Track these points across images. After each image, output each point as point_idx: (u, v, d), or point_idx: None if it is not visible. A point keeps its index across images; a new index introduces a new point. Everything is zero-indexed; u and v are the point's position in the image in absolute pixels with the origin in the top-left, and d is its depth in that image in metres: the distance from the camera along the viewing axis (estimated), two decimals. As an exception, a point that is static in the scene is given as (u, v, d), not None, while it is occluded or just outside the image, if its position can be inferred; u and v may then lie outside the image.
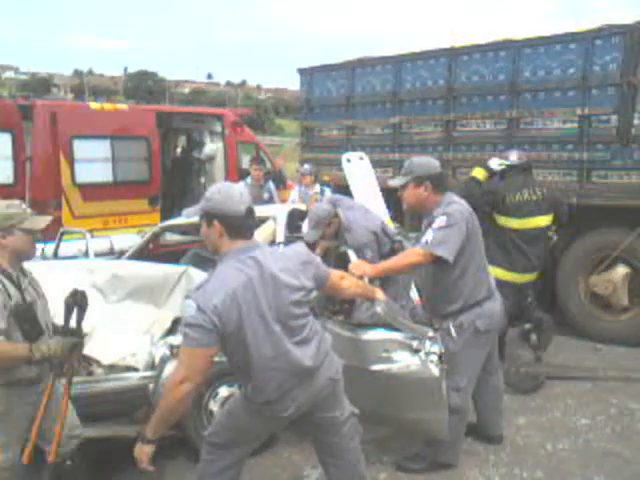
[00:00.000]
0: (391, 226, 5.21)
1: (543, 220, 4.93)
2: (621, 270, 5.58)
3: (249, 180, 7.08)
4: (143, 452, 2.36)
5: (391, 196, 4.84)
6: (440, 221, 3.21)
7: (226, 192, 2.42)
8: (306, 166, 7.09)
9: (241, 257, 2.38)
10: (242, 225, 2.41)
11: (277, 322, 2.40)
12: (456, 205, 3.30)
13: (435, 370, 3.02)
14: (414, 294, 4.71)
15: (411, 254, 3.36)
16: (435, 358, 3.02)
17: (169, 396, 2.31)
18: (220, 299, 2.27)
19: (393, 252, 4.17)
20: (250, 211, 2.41)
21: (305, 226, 4.84)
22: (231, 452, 2.64)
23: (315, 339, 2.53)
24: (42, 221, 2.70)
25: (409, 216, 5.80)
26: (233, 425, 2.63)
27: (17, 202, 2.68)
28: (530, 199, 4.87)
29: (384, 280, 3.57)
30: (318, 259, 2.67)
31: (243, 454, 2.70)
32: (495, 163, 5.01)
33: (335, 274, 2.76)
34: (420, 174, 3.33)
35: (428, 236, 3.22)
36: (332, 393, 2.60)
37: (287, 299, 2.42)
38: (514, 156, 5.02)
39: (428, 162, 3.44)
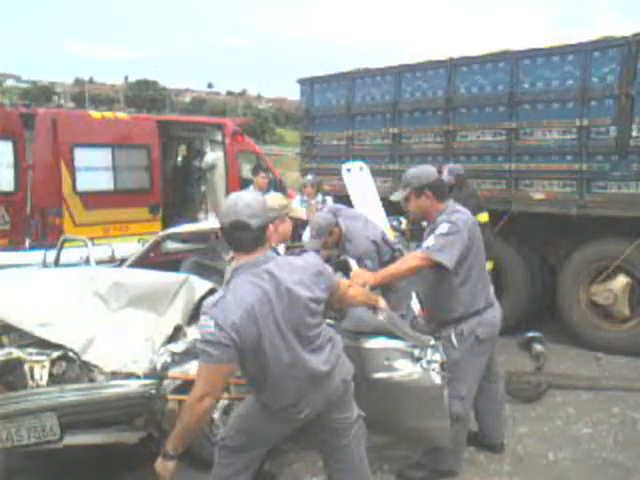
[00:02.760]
0: (391, 235, 5.24)
1: None
2: (622, 280, 5.60)
3: (251, 189, 7.08)
4: (166, 468, 2.37)
5: (393, 205, 4.86)
6: (442, 228, 3.23)
7: (227, 204, 2.44)
8: (308, 177, 7.11)
9: (255, 270, 2.39)
10: (233, 238, 2.42)
11: (293, 333, 2.42)
12: (459, 214, 3.33)
13: (437, 378, 3.02)
14: (414, 304, 4.72)
15: (410, 259, 3.38)
16: (437, 366, 3.03)
17: (190, 412, 2.32)
18: (238, 315, 2.28)
19: (393, 261, 4.19)
20: (241, 224, 2.37)
21: (306, 235, 4.86)
22: (244, 456, 2.65)
23: (328, 345, 2.56)
24: (298, 210, 3.00)
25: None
26: (247, 429, 2.65)
27: (280, 194, 3.13)
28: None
29: (383, 290, 3.59)
30: (330, 269, 2.68)
31: (256, 457, 2.71)
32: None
33: (343, 283, 2.79)
34: (418, 185, 3.35)
35: (429, 242, 3.24)
36: (344, 394, 2.63)
37: (302, 311, 2.43)
38: (461, 168, 5.95)
39: (424, 171, 3.46)
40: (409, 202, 3.42)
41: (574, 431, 4.11)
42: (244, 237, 2.40)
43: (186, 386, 2.96)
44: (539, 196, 5.92)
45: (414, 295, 4.69)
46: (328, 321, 3.10)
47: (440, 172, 5.81)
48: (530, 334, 5.56)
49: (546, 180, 5.89)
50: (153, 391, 3.13)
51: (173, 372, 3.20)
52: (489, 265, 5.53)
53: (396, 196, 3.51)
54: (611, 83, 5.36)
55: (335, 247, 4.44)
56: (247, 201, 2.41)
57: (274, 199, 3.34)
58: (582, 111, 5.55)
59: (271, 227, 2.52)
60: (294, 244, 4.80)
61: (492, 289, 3.56)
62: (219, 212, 2.55)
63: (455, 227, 3.23)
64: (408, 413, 3.17)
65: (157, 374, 3.16)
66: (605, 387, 4.84)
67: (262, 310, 2.34)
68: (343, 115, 7.52)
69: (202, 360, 2.32)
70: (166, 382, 3.20)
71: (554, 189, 5.85)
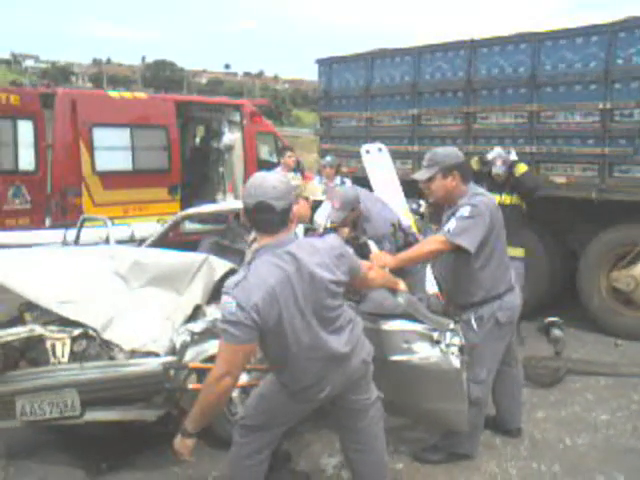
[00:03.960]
0: (407, 219, 5.19)
1: None
2: (644, 266, 5.51)
3: (279, 169, 7.01)
4: (185, 446, 2.41)
5: (412, 188, 4.82)
6: (464, 211, 3.19)
7: (251, 185, 2.43)
8: (328, 158, 7.06)
9: (277, 252, 2.38)
10: (257, 220, 2.42)
11: (313, 314, 2.42)
12: (481, 197, 3.29)
13: (456, 362, 3.02)
14: (429, 286, 4.70)
15: (431, 241, 3.36)
16: (456, 350, 3.02)
17: (210, 391, 2.34)
18: (260, 297, 2.29)
19: (408, 246, 4.16)
20: (265, 205, 2.37)
21: (318, 215, 4.82)
22: (263, 435, 2.67)
23: (349, 326, 2.56)
24: (317, 189, 3.04)
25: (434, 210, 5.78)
26: (266, 408, 2.67)
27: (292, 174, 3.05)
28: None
29: (399, 272, 3.58)
30: (351, 251, 2.67)
31: (275, 437, 2.73)
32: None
33: (364, 265, 2.78)
34: (448, 164, 3.30)
35: (451, 224, 3.21)
36: (364, 375, 2.64)
37: (323, 293, 2.43)
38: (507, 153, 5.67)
39: (453, 152, 3.43)
40: (433, 182, 3.35)
41: (592, 417, 4.08)
42: (268, 219, 2.40)
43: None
44: (561, 180, 5.84)
45: (430, 277, 4.67)
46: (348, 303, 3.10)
47: (488, 162, 5.54)
48: (549, 319, 5.52)
49: (568, 164, 5.80)
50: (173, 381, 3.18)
51: (193, 362, 3.25)
52: (520, 252, 5.41)
53: (420, 175, 3.44)
54: (637, 64, 5.23)
55: (352, 226, 4.41)
56: (272, 183, 2.41)
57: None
58: (605, 93, 5.43)
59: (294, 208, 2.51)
60: (312, 226, 4.80)
61: (513, 274, 3.52)
62: (242, 193, 2.54)
63: (477, 210, 3.20)
64: (426, 396, 3.17)
65: (177, 365, 3.19)
66: (624, 373, 4.81)
67: (283, 292, 2.34)
68: (362, 96, 7.44)
69: (223, 340, 2.34)
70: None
71: (575, 173, 5.77)
